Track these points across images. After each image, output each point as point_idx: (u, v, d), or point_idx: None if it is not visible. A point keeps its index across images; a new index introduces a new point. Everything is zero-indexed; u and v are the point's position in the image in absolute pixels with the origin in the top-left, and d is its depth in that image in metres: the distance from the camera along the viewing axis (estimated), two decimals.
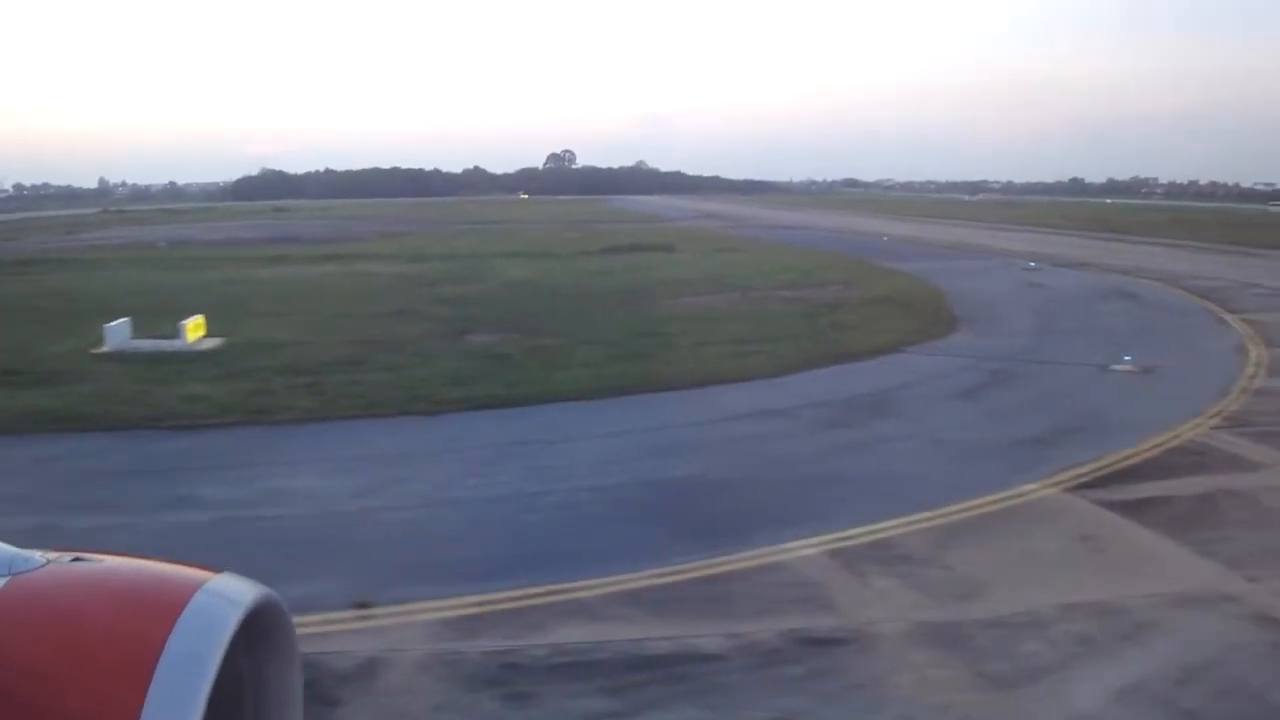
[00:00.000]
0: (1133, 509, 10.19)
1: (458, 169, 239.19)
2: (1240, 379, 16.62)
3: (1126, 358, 18.20)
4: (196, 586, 1.38)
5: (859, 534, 9.53)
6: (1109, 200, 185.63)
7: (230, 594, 1.40)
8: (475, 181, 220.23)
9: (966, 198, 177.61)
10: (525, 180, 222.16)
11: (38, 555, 1.46)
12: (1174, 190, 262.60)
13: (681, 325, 23.10)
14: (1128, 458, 12.07)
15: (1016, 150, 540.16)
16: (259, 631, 1.45)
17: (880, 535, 9.53)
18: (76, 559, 1.48)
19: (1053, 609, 7.83)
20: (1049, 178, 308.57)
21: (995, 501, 10.49)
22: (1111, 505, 10.31)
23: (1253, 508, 10.21)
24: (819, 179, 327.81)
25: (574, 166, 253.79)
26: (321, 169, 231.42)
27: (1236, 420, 13.91)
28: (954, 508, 10.25)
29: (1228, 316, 24.63)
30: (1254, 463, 11.97)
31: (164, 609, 1.33)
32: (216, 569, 1.48)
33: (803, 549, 9.16)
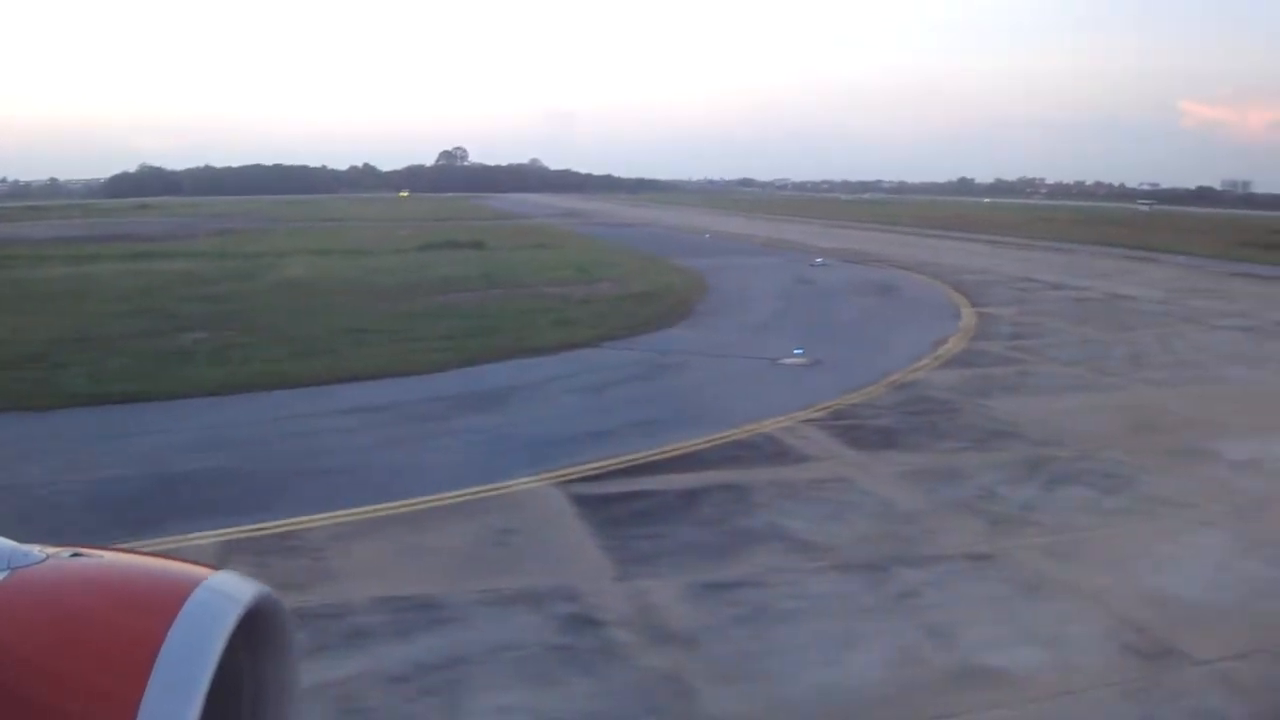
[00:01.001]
0: (598, 503, 9.65)
1: (346, 166, 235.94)
2: (898, 373, 16.35)
3: (797, 350, 17.88)
4: (195, 583, 1.35)
5: (280, 525, 8.93)
6: (987, 200, 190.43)
7: (229, 591, 1.37)
8: (359, 179, 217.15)
9: (843, 197, 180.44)
10: (413, 178, 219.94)
11: (36, 550, 1.43)
12: (1058, 190, 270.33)
13: (405, 322, 22.50)
14: (671, 450, 11.58)
15: (912, 151, 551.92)
16: (257, 628, 1.42)
17: (301, 526, 8.90)
18: (76, 554, 1.45)
19: (367, 601, 7.27)
20: (941, 178, 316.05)
21: (470, 494, 9.85)
22: (583, 499, 9.76)
23: (727, 504, 9.71)
24: (716, 178, 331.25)
25: (465, 164, 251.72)
26: (201, 165, 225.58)
27: (840, 414, 13.47)
28: (420, 500, 9.66)
29: (966, 310, 24.56)
30: (803, 455, 11.53)
31: (163, 605, 1.30)
32: (216, 566, 1.44)
33: (200, 539, 8.50)
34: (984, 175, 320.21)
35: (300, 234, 60.77)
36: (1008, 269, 36.81)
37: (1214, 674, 6.22)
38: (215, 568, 1.46)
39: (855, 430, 12.61)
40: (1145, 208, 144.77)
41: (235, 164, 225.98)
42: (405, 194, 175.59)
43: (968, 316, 23.37)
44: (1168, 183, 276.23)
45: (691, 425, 12.80)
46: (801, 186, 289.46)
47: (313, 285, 30.69)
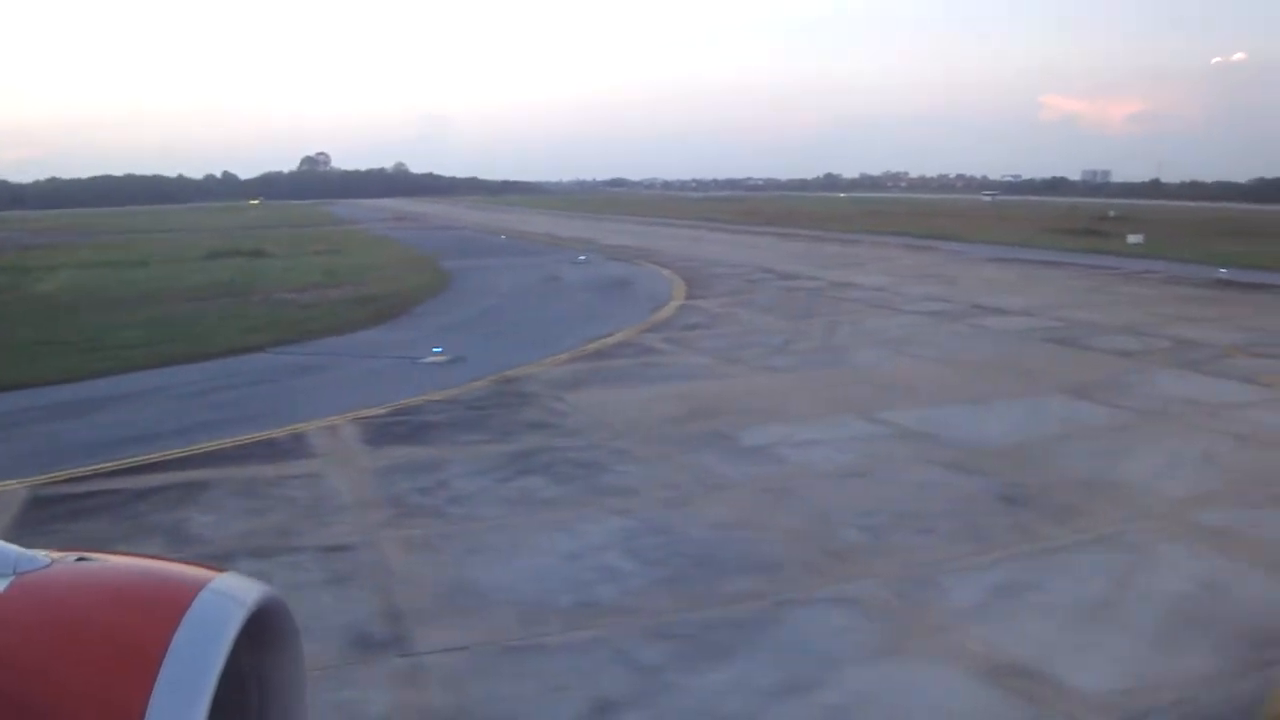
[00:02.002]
0: (51, 503, 9.72)
1: (202, 175, 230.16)
2: (524, 367, 16.49)
3: (437, 349, 17.95)
4: (200, 586, 1.34)
5: None
6: (844, 195, 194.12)
7: (234, 593, 1.36)
8: (216, 188, 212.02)
9: (693, 195, 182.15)
10: (271, 185, 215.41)
11: (43, 555, 1.42)
12: (918, 184, 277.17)
13: (104, 332, 21.84)
14: (192, 450, 11.55)
15: (782, 148, 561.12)
16: (263, 630, 1.40)
17: None
18: (81, 558, 1.45)
19: None
20: (810, 174, 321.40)
21: None
22: (41, 500, 9.82)
23: (166, 502, 9.68)
24: (587, 179, 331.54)
25: (327, 169, 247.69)
26: (45, 177, 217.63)
27: (404, 410, 13.30)
28: None
29: (674, 303, 24.82)
30: (309, 452, 11.46)
31: (168, 608, 1.29)
32: (221, 568, 1.44)
33: None
34: (851, 171, 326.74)
35: (104, 247, 58.88)
36: (766, 261, 37.57)
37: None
38: (220, 570, 1.46)
39: (394, 427, 12.61)
40: (988, 198, 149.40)
41: (85, 175, 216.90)
42: (256, 202, 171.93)
43: (668, 310, 23.69)
44: (1029, 174, 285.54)
45: (243, 426, 12.71)
46: (669, 186, 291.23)
47: (52, 298, 30.06)
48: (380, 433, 12.41)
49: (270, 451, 11.61)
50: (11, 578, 1.39)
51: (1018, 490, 9.75)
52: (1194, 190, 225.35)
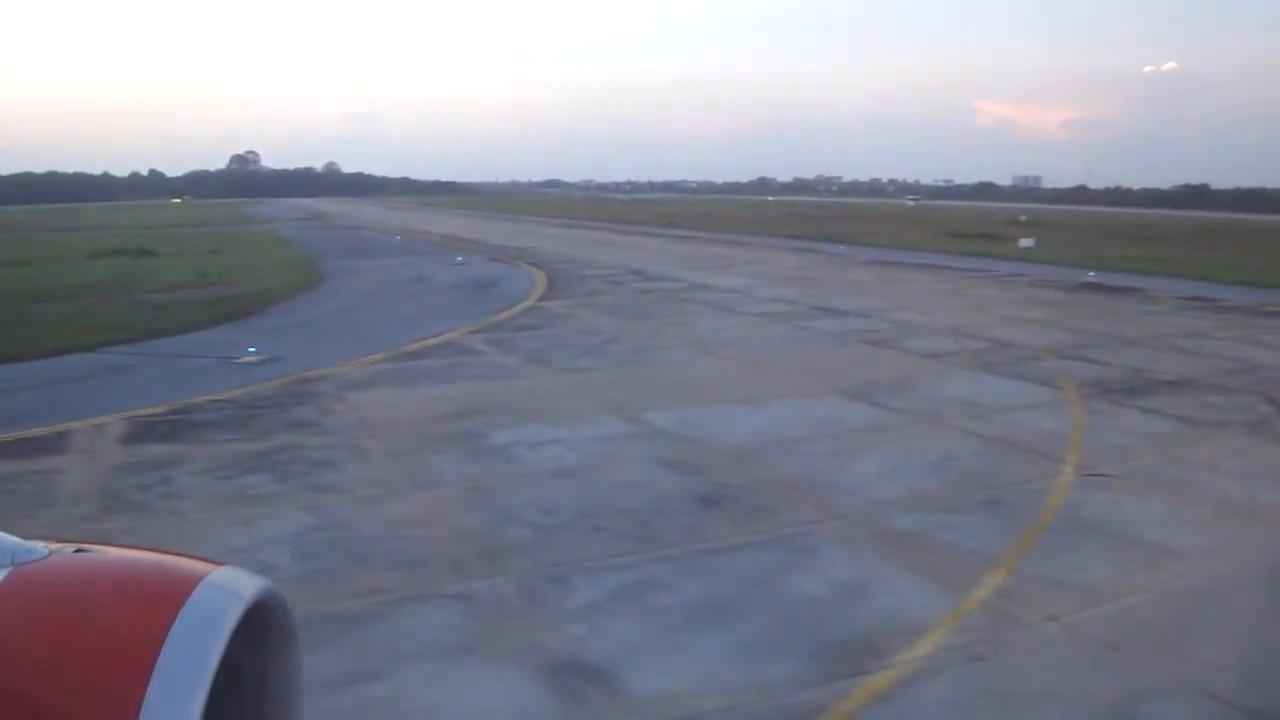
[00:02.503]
0: None
1: (128, 172, 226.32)
2: (331, 368, 16.68)
3: (251, 350, 18.09)
4: (199, 579, 1.35)
5: None
6: (771, 198, 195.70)
7: (232, 586, 1.38)
8: (141, 185, 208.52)
9: (620, 197, 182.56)
10: (199, 183, 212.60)
11: (41, 546, 1.42)
12: (849, 188, 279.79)
13: None
14: None
15: (718, 151, 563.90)
16: (260, 623, 1.41)
17: None
18: (79, 550, 1.45)
19: None
20: (745, 177, 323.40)
21: None
22: None
23: None
24: (524, 180, 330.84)
25: (256, 168, 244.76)
26: None
27: (182, 410, 13.63)
28: None
29: (525, 304, 25.27)
30: (67, 448, 11.71)
31: (166, 600, 1.30)
32: (219, 562, 1.45)
33: None
34: (785, 174, 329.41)
35: None
36: (643, 263, 38.23)
37: None
38: (218, 564, 1.47)
39: (160, 426, 12.67)
40: (912, 203, 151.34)
41: (6, 171, 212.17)
42: (179, 201, 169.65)
43: (513, 311, 23.97)
44: (963, 179, 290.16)
45: (16, 424, 12.74)
46: (604, 188, 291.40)
47: None
48: (144, 431, 12.57)
49: (27, 448, 11.73)
50: (9, 568, 1.39)
51: (720, 491, 9.99)
52: (1119, 196, 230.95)
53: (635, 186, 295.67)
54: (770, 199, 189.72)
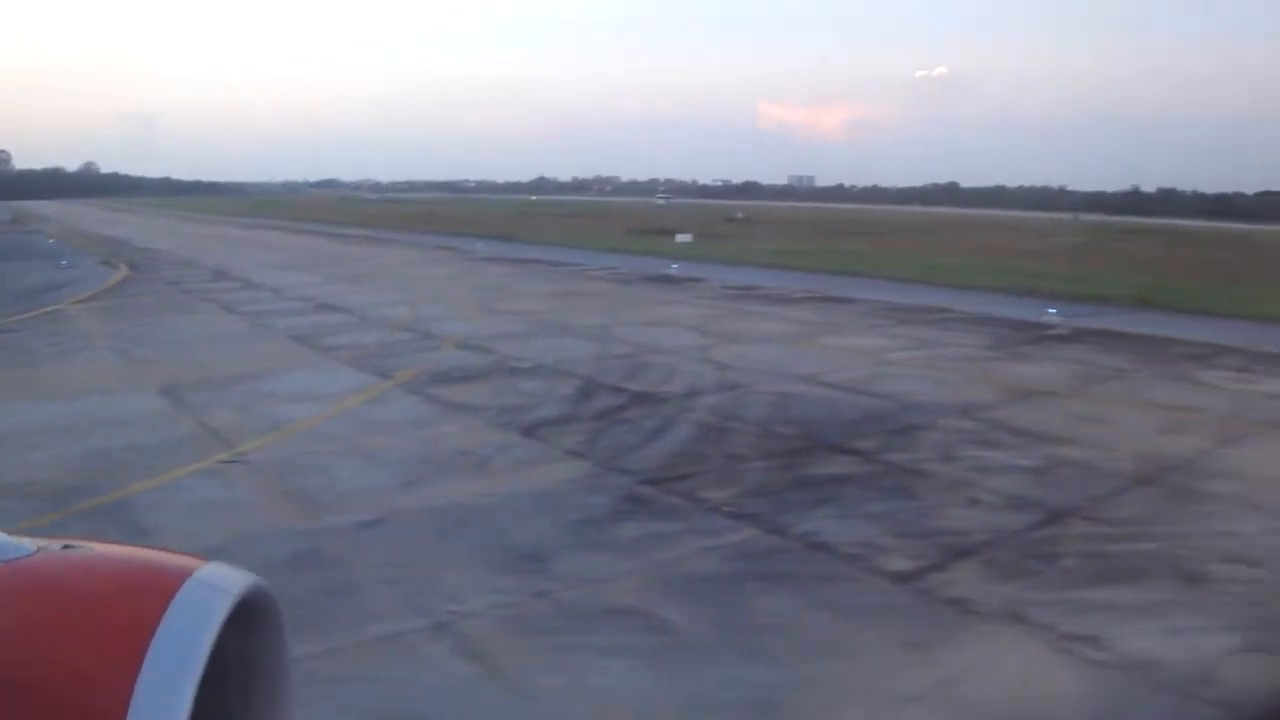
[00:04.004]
0: None
1: None
2: None
3: None
4: (187, 574, 1.35)
5: None
6: (534, 197, 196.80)
7: (220, 582, 1.37)
8: None
9: (369, 197, 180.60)
10: None
11: (28, 543, 1.41)
12: (626, 187, 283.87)
13: None
14: None
15: (499, 151, 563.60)
16: (248, 619, 1.41)
17: None
18: (67, 547, 1.43)
19: None
20: (525, 177, 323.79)
21: None
22: None
23: None
24: (299, 180, 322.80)
25: (6, 168, 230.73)
26: None
27: None
28: None
29: (56, 308, 24.81)
30: None
31: (155, 596, 1.29)
32: (206, 558, 1.43)
33: None
34: (565, 174, 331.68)
35: None
36: (245, 265, 38.23)
37: None
38: (205, 560, 1.43)
39: None
40: (662, 201, 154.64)
41: None
42: None
43: (25, 318, 23.51)
44: (741, 178, 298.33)
45: None
46: (379, 187, 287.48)
47: None
48: None
49: None
50: None
51: None
52: (873, 194, 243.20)
53: (414, 186, 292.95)
54: (534, 198, 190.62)
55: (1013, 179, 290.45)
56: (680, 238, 53.17)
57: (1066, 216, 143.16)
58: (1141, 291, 28.64)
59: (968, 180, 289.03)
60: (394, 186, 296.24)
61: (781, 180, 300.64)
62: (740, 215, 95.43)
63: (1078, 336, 20.92)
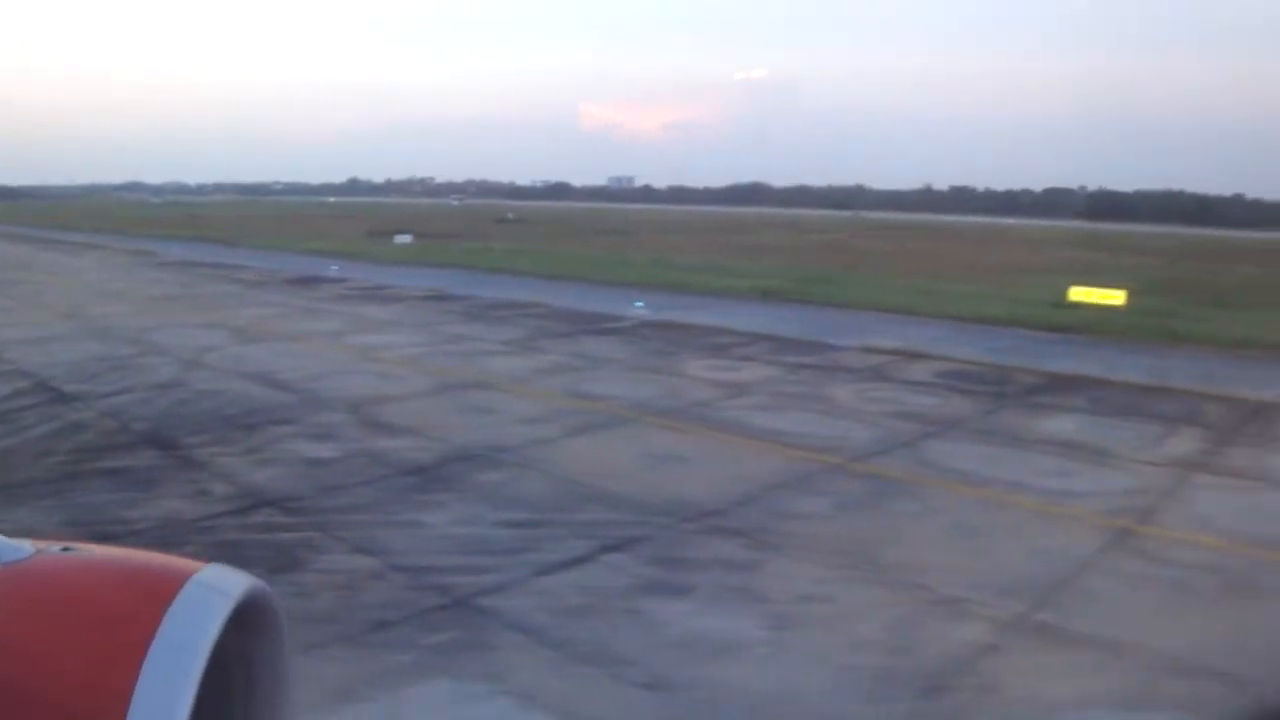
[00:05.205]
0: None
1: None
2: None
3: None
4: (187, 576, 1.33)
5: None
6: (331, 199, 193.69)
7: (220, 585, 1.35)
8: None
9: (154, 201, 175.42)
10: None
11: (27, 545, 1.39)
12: (442, 188, 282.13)
13: None
14: None
15: (312, 152, 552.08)
16: (249, 621, 1.38)
17: None
18: (66, 549, 1.41)
19: None
20: (339, 178, 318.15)
21: None
22: None
23: None
24: (103, 182, 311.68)
25: None
26: None
27: None
28: None
29: None
30: None
31: (155, 598, 1.27)
32: (206, 561, 1.41)
33: None
34: (381, 175, 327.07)
35: None
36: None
37: None
38: (205, 562, 1.39)
39: None
40: (455, 202, 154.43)
41: None
42: None
43: None
44: (561, 178, 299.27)
45: None
46: (184, 189, 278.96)
47: None
48: None
49: None
50: None
51: None
52: (680, 194, 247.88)
53: (221, 188, 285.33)
54: (331, 200, 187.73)
55: (822, 179, 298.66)
56: (399, 239, 53.15)
57: (847, 214, 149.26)
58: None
59: (781, 180, 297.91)
60: (201, 189, 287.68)
61: (602, 181, 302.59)
62: (511, 216, 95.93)
63: (629, 330, 22.07)
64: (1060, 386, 17.25)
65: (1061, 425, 14.19)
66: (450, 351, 18.86)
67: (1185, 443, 13.47)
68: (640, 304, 25.63)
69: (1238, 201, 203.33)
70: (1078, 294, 31.28)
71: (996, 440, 13.20)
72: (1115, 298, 30.38)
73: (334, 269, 35.66)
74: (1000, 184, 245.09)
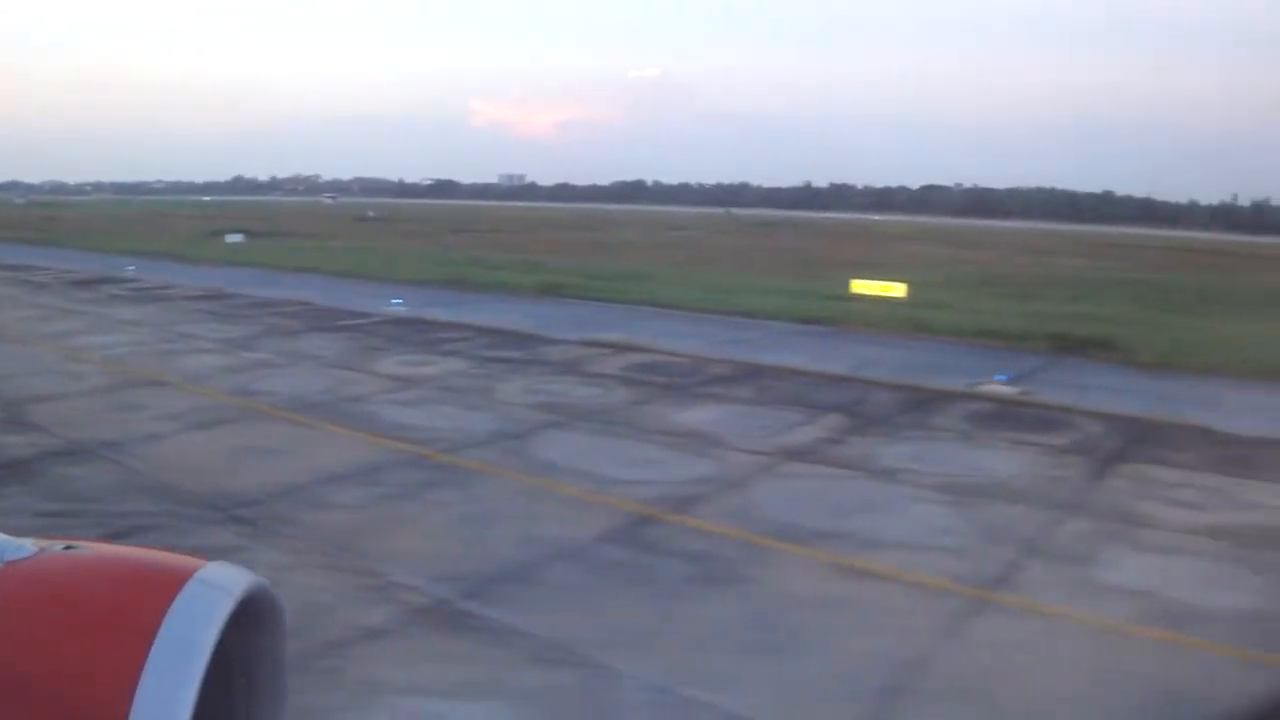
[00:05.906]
0: None
1: None
2: None
3: None
4: (189, 574, 1.33)
5: None
6: (207, 198, 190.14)
7: (222, 582, 1.35)
8: None
9: (18, 201, 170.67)
10: None
11: (29, 543, 1.40)
12: (325, 187, 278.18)
13: None
14: None
15: (194, 150, 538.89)
16: (251, 618, 1.38)
17: None
18: (69, 547, 1.42)
19: None
20: (224, 176, 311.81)
21: None
22: None
23: None
24: None
25: None
26: None
27: None
28: None
29: None
30: None
31: (157, 596, 1.28)
32: (208, 557, 1.42)
33: None
34: (265, 173, 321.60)
35: None
36: None
37: None
38: (207, 559, 1.40)
39: None
40: (329, 200, 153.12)
41: None
42: None
43: None
44: (454, 176, 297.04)
45: None
46: (63, 189, 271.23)
47: None
48: None
49: None
50: None
51: None
52: (564, 192, 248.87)
53: (99, 187, 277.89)
54: (207, 199, 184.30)
55: (711, 177, 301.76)
56: (230, 239, 52.92)
57: (720, 212, 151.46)
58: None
59: (670, 177, 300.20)
60: (80, 189, 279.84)
61: (493, 179, 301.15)
62: (371, 215, 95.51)
63: (363, 328, 22.80)
64: (744, 377, 18.11)
65: (703, 415, 14.87)
66: (161, 351, 19.34)
67: (813, 432, 14.03)
68: (398, 301, 26.28)
69: (1106, 199, 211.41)
70: (859, 287, 32.55)
71: (617, 431, 13.87)
72: (897, 290, 31.62)
73: (130, 269, 35.59)
74: (879, 181, 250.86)
